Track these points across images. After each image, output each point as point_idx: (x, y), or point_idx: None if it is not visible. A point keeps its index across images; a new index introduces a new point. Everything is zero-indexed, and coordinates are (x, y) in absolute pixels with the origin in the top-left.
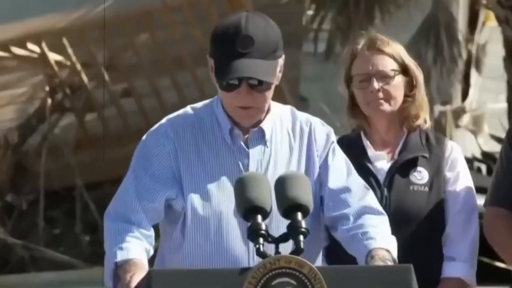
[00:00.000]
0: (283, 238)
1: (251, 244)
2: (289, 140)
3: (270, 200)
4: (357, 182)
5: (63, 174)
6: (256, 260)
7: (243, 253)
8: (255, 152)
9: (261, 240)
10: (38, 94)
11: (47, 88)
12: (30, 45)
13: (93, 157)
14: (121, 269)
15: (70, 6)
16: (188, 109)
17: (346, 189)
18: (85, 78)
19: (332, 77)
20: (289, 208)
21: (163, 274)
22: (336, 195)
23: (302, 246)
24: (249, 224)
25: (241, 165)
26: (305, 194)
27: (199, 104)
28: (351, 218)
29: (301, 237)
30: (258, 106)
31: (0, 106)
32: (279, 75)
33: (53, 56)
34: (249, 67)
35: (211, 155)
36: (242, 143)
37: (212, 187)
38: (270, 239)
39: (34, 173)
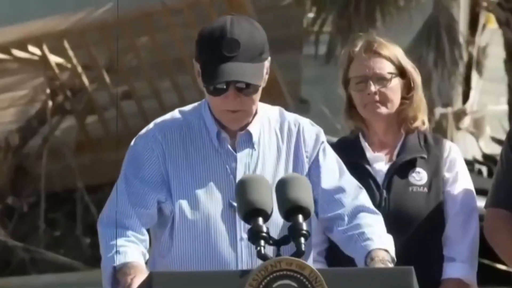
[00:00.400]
0: (284, 240)
1: (239, 247)
2: (277, 141)
3: (271, 202)
4: (350, 181)
5: (64, 176)
6: (244, 263)
7: (231, 256)
8: (242, 156)
9: (262, 242)
10: (39, 97)
11: (48, 91)
12: (31, 48)
13: (94, 159)
14: (120, 272)
15: (71, 8)
16: (176, 112)
17: (340, 189)
18: (85, 80)
19: (333, 79)
20: (290, 210)
21: (164, 276)
22: (330, 195)
23: (303, 249)
24: (250, 226)
25: (228, 169)
26: (306, 196)
27: (187, 108)
28: (346, 219)
29: (302, 239)
30: (246, 109)
31: (1, 109)
32: (265, 77)
33: (53, 59)
34: (236, 71)
35: (199, 158)
36: (229, 146)
37: (200, 191)
38: (271, 241)
39: (35, 175)
